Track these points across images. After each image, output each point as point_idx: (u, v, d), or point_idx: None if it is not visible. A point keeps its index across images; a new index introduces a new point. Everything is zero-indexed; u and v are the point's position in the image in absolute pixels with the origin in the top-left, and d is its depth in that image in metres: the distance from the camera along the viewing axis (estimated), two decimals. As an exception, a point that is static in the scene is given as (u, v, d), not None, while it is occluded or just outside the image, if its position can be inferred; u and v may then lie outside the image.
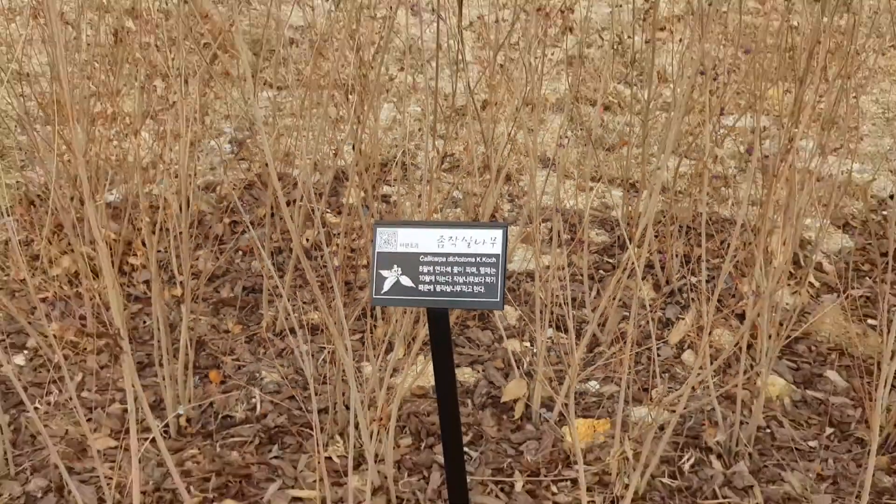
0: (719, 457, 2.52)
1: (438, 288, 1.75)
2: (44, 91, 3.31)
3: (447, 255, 1.75)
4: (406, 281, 1.76)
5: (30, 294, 2.52)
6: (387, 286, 1.77)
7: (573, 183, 3.51)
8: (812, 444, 2.59)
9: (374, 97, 3.25)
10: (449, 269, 1.75)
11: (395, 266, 1.76)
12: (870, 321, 3.03)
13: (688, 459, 2.51)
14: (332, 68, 3.39)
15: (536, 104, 2.95)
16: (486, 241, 1.74)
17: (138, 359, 2.75)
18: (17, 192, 3.27)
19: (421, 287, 1.75)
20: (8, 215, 2.25)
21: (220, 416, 2.58)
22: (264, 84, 3.82)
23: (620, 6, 4.42)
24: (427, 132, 2.42)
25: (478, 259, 1.74)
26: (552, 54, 4.15)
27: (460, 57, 2.87)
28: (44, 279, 2.93)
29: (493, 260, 1.74)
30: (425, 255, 1.76)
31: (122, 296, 2.82)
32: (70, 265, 2.97)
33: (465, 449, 2.49)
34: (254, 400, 2.64)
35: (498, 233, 1.74)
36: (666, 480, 2.46)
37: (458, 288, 1.75)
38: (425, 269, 1.76)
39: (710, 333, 2.57)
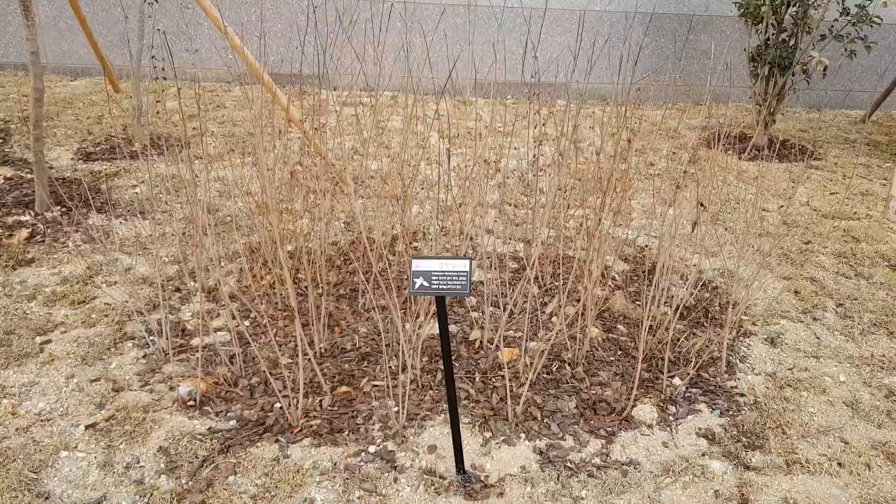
0: (569, 364, 2.64)
1: (441, 287, 1.88)
2: (256, 198, 3.47)
3: (445, 271, 1.88)
4: (425, 283, 1.89)
5: (251, 292, 2.65)
6: (416, 286, 1.90)
7: (500, 240, 3.64)
8: (611, 358, 2.71)
9: (409, 203, 3.40)
10: (446, 277, 1.88)
11: (420, 277, 1.89)
12: (637, 302, 3.16)
13: (555, 366, 2.64)
14: (391, 188, 3.55)
15: (483, 205, 3.09)
16: (462, 266, 1.88)
17: (303, 321, 2.87)
18: (245, 246, 3.39)
19: (432, 286, 1.89)
20: (241, 256, 2.40)
21: (339, 348, 2.70)
22: (359, 196, 3.94)
23: (522, 160, 4.59)
24: (433, 218, 2.57)
25: (459, 273, 1.88)
26: (491, 182, 4.27)
27: (450, 183, 3.03)
28: (258, 286, 3.05)
29: (465, 273, 1.87)
30: (434, 272, 1.89)
31: (294, 293, 2.96)
32: (269, 279, 3.09)
33: (454, 363, 2.63)
34: (355, 341, 2.76)
35: (467, 262, 1.88)
36: (544, 375, 2.58)
37: (449, 286, 1.88)
38: (434, 278, 1.88)
39: (563, 308, 2.70)
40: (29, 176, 3.78)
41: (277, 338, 2.73)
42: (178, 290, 3.01)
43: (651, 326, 2.89)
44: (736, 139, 5.62)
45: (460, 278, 1.88)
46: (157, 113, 5.12)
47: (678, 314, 2.75)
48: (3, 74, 6.13)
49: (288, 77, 6.08)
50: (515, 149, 4.90)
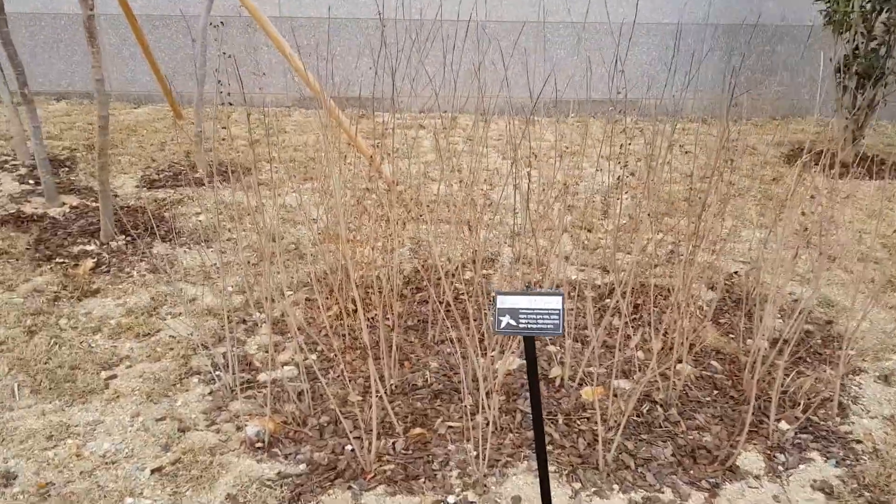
0: (661, 406, 2.45)
1: (530, 326, 1.74)
2: (321, 225, 3.39)
3: (533, 309, 1.74)
4: (513, 322, 1.75)
5: (318, 324, 2.55)
6: (502, 325, 1.75)
7: (575, 266, 3.47)
8: (707, 399, 2.51)
9: (480, 228, 3.27)
10: (535, 315, 1.74)
11: (507, 315, 1.75)
12: (730, 335, 2.95)
13: (645, 407, 2.45)
14: (459, 213, 3.43)
15: (556, 230, 2.95)
16: (554, 303, 1.73)
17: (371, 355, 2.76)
18: (312, 276, 3.32)
19: (520, 325, 1.74)
20: (309, 285, 2.31)
21: (410, 385, 2.58)
22: (428, 221, 3.83)
23: (604, 182, 4.42)
24: (504, 244, 2.43)
25: (550, 311, 1.73)
26: (564, 205, 4.12)
27: (526, 205, 2.89)
28: (325, 317, 2.98)
29: (557, 311, 1.72)
30: (522, 309, 1.75)
31: (366, 326, 2.85)
32: (336, 310, 3.00)
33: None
34: (426, 377, 2.63)
35: (558, 298, 1.73)
36: (634, 417, 2.40)
37: (539, 325, 1.73)
38: (522, 316, 1.74)
39: (653, 342, 2.52)
40: (94, 204, 3.81)
41: (346, 373, 2.62)
42: (243, 321, 2.94)
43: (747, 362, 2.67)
44: (820, 155, 5.32)
45: (551, 316, 1.73)
46: (223, 140, 5.15)
47: (778, 349, 2.53)
48: (69, 103, 6.30)
49: (355, 100, 6.08)
50: (598, 169, 4.74)
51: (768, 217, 3.18)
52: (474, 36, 5.79)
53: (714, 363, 2.72)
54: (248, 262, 3.35)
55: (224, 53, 5.92)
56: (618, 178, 3.27)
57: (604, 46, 6.49)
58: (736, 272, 3.40)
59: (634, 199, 4.10)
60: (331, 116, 3.62)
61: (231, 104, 6.02)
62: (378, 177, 3.59)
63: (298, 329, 2.90)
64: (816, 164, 5.20)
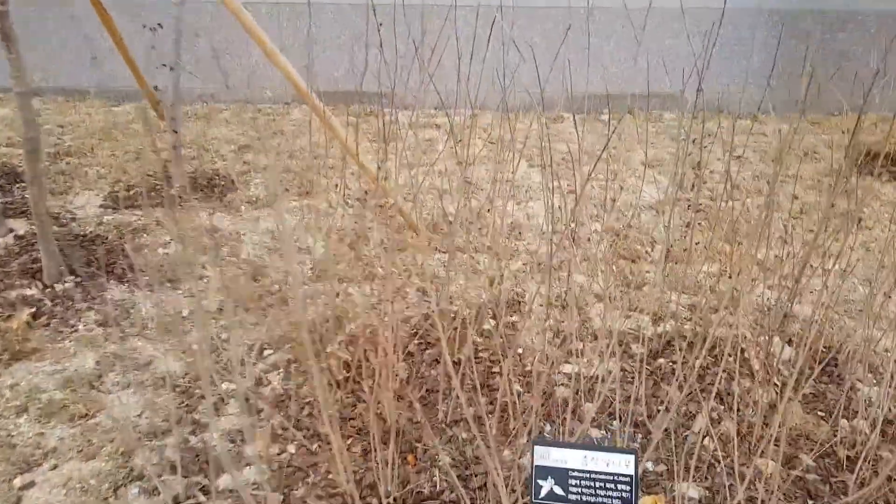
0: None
1: (584, 499, 1.16)
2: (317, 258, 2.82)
3: (590, 472, 1.16)
4: (559, 490, 1.16)
5: (303, 396, 1.97)
6: (543, 492, 1.17)
7: (620, 312, 2.87)
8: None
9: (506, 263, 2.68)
10: (592, 483, 1.16)
11: (550, 477, 1.17)
12: (817, 411, 2.35)
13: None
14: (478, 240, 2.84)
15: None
16: (622, 463, 1.14)
17: (363, 446, 2.19)
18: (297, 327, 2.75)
19: (570, 496, 1.16)
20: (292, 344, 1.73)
21: (414, 493, 2.01)
22: (439, 250, 3.23)
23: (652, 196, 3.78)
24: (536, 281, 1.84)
25: (615, 477, 1.15)
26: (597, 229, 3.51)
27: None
28: (310, 386, 2.40)
29: (628, 479, 1.13)
30: (573, 470, 1.16)
31: (344, 402, 2.28)
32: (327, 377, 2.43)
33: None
34: (435, 479, 2.06)
35: (631, 457, 1.14)
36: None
37: (599, 500, 1.15)
38: (573, 482, 1.16)
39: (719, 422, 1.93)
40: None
41: (333, 472, 2.05)
42: (206, 395, 2.37)
43: (848, 456, 2.07)
44: (888, 160, 4.64)
45: (618, 486, 1.14)
46: (206, 147, 4.58)
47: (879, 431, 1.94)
48: (43, 101, 5.73)
49: (353, 95, 5.48)
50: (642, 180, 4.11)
51: (843, 243, 2.57)
52: (495, 21, 5.15)
53: (803, 457, 2.12)
54: (220, 311, 2.78)
55: (197, 36, 5.29)
56: (687, 203, 2.66)
57: (643, 33, 5.82)
58: (817, 321, 2.77)
59: (702, 224, 3.49)
60: (323, 125, 3.02)
61: (211, 102, 5.43)
62: (380, 195, 2.99)
63: (276, 404, 2.33)
64: (887, 170, 4.54)
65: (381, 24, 2.39)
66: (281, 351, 2.61)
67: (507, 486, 1.88)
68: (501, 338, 2.61)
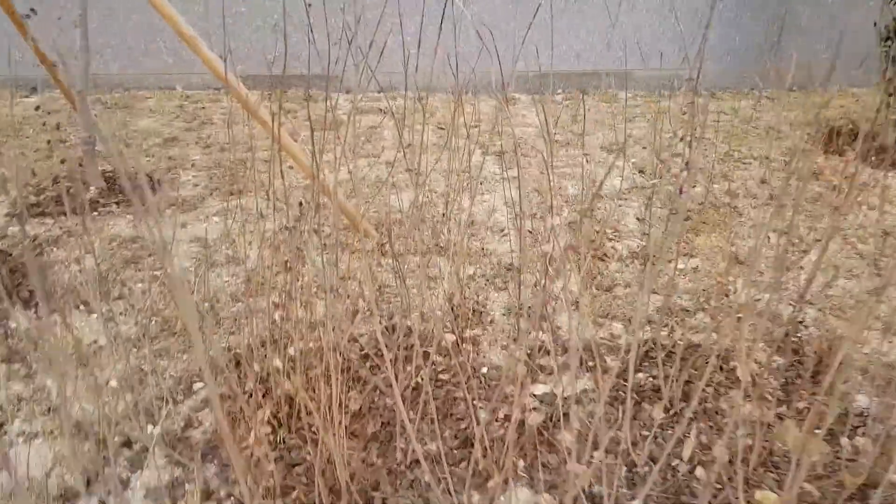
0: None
1: None
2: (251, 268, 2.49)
3: None
4: None
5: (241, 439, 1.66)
6: None
7: (592, 319, 2.64)
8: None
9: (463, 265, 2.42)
10: None
11: None
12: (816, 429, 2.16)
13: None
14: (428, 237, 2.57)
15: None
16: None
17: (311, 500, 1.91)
18: (228, 356, 2.44)
19: None
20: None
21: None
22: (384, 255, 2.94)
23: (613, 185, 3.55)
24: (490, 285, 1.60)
25: None
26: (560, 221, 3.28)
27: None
28: (244, 431, 2.10)
29: None
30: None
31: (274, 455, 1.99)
32: (268, 412, 2.13)
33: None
34: (397, 534, 1.80)
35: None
36: None
37: None
38: None
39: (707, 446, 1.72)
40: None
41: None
42: (127, 443, 2.05)
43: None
44: (855, 138, 4.53)
45: None
46: (128, 142, 4.16)
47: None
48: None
49: (287, 79, 5.10)
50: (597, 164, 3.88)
51: (822, 233, 2.39)
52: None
53: (808, 486, 1.92)
54: (141, 338, 2.44)
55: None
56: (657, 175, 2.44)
57: (595, 8, 5.57)
58: (801, 322, 2.59)
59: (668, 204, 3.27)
60: (248, 113, 2.68)
61: (140, 88, 4.98)
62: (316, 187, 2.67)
63: (208, 455, 2.03)
64: (851, 147, 4.42)
65: (309, 4, 2.06)
66: (216, 383, 2.30)
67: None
68: (464, 356, 2.35)
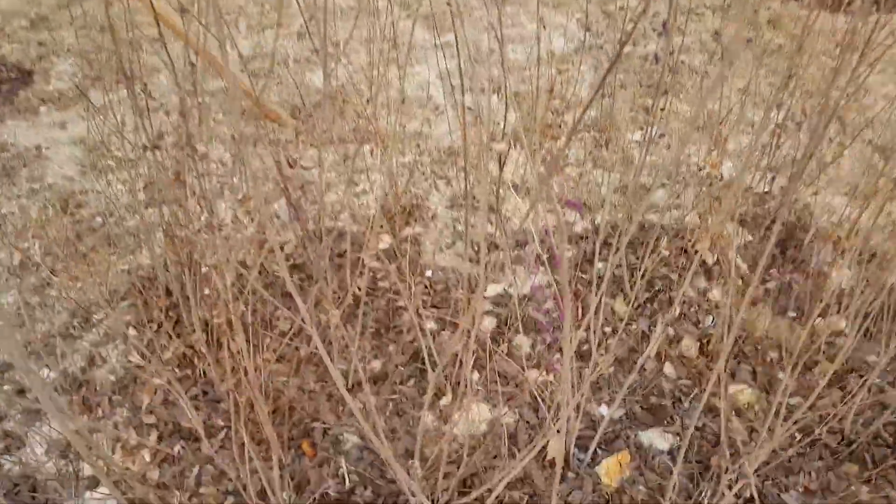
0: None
1: None
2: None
3: None
4: None
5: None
6: None
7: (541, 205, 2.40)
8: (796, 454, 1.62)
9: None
10: None
11: None
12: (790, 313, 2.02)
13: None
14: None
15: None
16: None
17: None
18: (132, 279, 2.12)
19: None
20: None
21: (315, 496, 1.56)
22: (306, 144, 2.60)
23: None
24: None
25: None
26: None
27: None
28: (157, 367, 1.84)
29: None
30: None
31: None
32: (178, 345, 1.87)
33: None
34: (342, 471, 1.62)
35: None
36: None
37: None
38: None
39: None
40: None
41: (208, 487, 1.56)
42: (20, 391, 1.77)
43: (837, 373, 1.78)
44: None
45: None
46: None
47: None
48: None
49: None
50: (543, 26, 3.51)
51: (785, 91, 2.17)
52: None
53: (782, 375, 1.80)
54: (26, 264, 2.10)
55: None
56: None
57: None
58: (767, 192, 2.41)
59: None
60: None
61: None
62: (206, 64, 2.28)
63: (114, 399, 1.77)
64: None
65: None
66: (118, 312, 2.00)
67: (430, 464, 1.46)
68: (404, 259, 2.09)
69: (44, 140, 2.61)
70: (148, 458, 1.65)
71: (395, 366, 1.85)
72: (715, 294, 2.03)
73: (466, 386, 1.35)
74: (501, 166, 1.41)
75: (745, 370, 1.81)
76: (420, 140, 2.69)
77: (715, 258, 2.12)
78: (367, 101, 2.12)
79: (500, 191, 1.91)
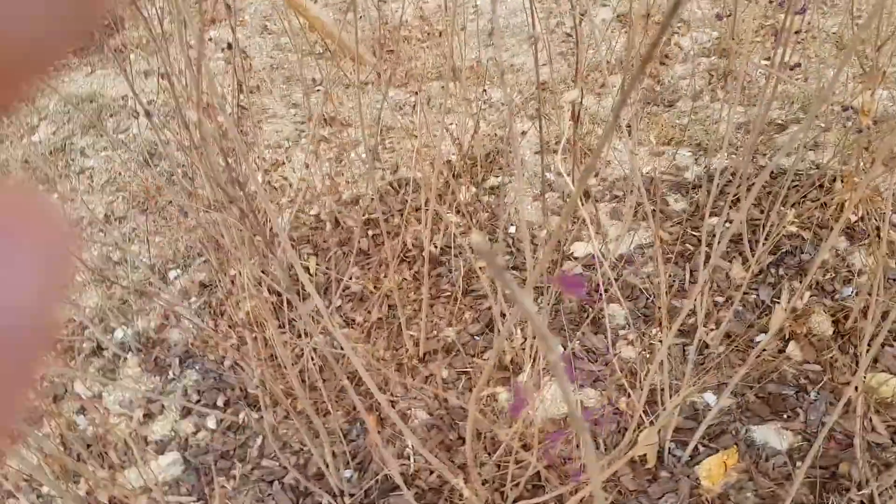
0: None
1: None
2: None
3: None
4: None
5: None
6: None
7: (646, 149, 2.11)
8: None
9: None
10: None
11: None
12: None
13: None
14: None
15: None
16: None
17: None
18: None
19: None
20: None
21: (378, 479, 1.45)
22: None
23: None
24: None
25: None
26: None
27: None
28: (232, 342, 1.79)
29: None
30: None
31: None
32: (248, 313, 1.80)
33: None
34: (407, 451, 1.50)
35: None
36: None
37: None
38: None
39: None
40: None
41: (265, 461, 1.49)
42: (97, 350, 1.77)
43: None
44: None
45: None
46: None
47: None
48: None
49: None
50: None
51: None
52: None
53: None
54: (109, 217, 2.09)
55: None
56: None
57: None
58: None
59: None
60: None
61: None
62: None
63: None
64: None
65: None
66: (193, 268, 1.96)
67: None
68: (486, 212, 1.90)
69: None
70: (212, 425, 1.61)
71: (470, 335, 1.69)
72: (858, 259, 1.70)
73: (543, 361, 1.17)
74: (576, 119, 1.17)
75: (891, 355, 1.49)
76: (511, 73, 2.44)
77: (861, 214, 1.77)
78: (461, 29, 1.91)
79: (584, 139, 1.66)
